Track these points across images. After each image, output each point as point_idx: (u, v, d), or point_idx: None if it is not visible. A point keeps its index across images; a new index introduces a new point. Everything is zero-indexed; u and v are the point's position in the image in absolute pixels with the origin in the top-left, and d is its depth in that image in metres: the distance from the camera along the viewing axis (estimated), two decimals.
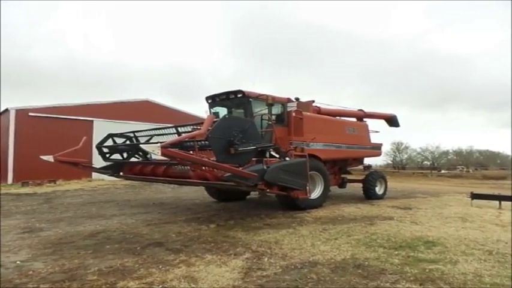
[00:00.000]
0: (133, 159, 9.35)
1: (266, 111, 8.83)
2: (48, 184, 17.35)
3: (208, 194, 11.65)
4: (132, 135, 9.65)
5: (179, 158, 6.32)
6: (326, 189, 9.74)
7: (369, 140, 12.71)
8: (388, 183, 15.58)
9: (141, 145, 7.35)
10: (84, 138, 9.56)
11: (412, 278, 4.05)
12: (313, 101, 11.41)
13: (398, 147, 71.75)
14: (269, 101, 8.47)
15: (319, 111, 11.60)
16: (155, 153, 5.78)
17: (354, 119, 13.02)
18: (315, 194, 9.42)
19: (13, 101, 72.57)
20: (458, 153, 70.79)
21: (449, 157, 71.63)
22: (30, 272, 4.47)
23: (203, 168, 6.74)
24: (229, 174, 6.40)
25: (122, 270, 4.50)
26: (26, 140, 18.85)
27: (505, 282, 3.88)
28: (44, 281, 4.13)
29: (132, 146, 9.28)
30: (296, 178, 7.74)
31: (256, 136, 7.33)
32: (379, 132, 13.42)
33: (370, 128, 13.05)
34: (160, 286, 3.91)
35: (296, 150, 8.80)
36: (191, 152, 6.88)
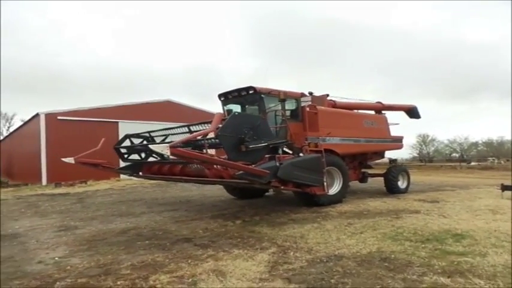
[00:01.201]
0: (151, 159, 9.45)
1: (279, 107, 8.76)
2: (79, 185, 18.05)
3: (227, 191, 11.70)
4: (148, 135, 9.75)
5: (188, 157, 6.37)
6: (345, 184, 9.61)
7: (389, 132, 12.41)
8: (415, 177, 15.24)
9: (150, 145, 7.45)
10: (103, 139, 9.75)
11: (439, 271, 4.03)
12: (328, 95, 11.18)
13: (424, 140, 69.89)
14: (281, 97, 8.40)
15: (334, 105, 11.41)
16: (164, 153, 5.91)
17: (372, 112, 12.73)
18: (334, 189, 9.34)
19: (44, 106, 75.59)
20: (488, 144, 68.11)
21: (479, 148, 69.07)
22: (68, 267, 4.74)
23: (214, 166, 6.79)
24: (241, 172, 6.39)
25: (153, 265, 4.69)
26: (56, 143, 19.62)
27: None
28: (81, 276, 4.38)
29: (143, 146, 9.36)
30: (311, 174, 7.69)
31: (268, 133, 7.31)
32: (398, 124, 13.03)
33: (390, 120, 12.79)
34: (190, 279, 4.07)
35: (310, 146, 8.69)
36: (204, 150, 6.87)
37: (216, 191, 12.89)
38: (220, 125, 6.54)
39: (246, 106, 9.71)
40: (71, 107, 21.64)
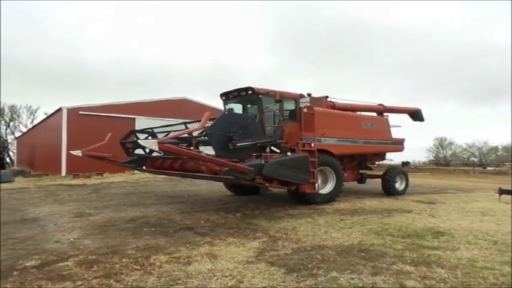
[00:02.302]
0: (155, 154, 9.59)
1: (277, 107, 9.08)
2: (96, 176, 18.99)
3: (226, 188, 12.07)
4: (151, 131, 10.13)
5: (175, 152, 6.67)
6: (338, 184, 9.84)
7: (390, 134, 12.53)
8: (424, 180, 15.37)
9: (139, 141, 7.85)
10: (109, 134, 10.15)
11: (409, 261, 4.45)
12: (327, 97, 11.42)
13: (441, 143, 68.86)
14: (277, 97, 8.76)
15: (333, 106, 11.57)
16: (153, 148, 6.30)
17: (374, 114, 12.91)
18: (327, 188, 9.61)
19: (67, 100, 78.10)
20: (508, 149, 66.56)
21: (498, 153, 67.53)
22: (81, 247, 5.37)
23: (200, 162, 7.03)
24: (226, 168, 6.66)
25: (156, 248, 5.27)
26: (76, 136, 20.56)
27: (496, 266, 4.18)
28: (92, 254, 4.99)
29: (135, 142, 9.69)
30: (297, 173, 7.86)
31: (257, 132, 7.54)
32: (400, 127, 13.15)
33: (397, 123, 13.02)
34: (186, 260, 4.61)
35: (298, 146, 8.84)
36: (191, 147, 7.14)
37: (224, 187, 13.43)
38: (208, 124, 6.89)
39: (248, 105, 10.02)
40: (92, 101, 22.65)
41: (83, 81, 78.78)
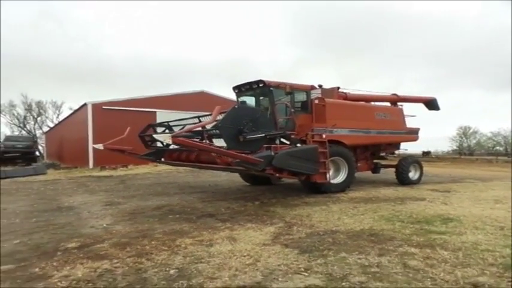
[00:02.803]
0: (172, 146, 9.84)
1: (288, 99, 9.31)
2: (121, 168, 19.87)
3: (242, 179, 12.46)
4: (167, 124, 10.48)
5: (188, 145, 7.03)
6: (351, 174, 10.05)
7: (404, 124, 12.54)
8: (443, 170, 15.33)
9: (154, 135, 8.20)
10: (128, 128, 10.47)
11: (415, 244, 4.76)
12: (339, 88, 11.51)
13: (465, 132, 67.20)
14: (287, 90, 8.97)
15: (345, 97, 11.68)
16: (167, 142, 6.66)
17: (388, 104, 12.93)
18: (339, 178, 9.86)
19: (89, 95, 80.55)
20: None
21: None
22: (114, 231, 5.93)
23: (212, 154, 7.31)
24: (237, 160, 6.98)
25: (181, 232, 5.76)
26: (101, 130, 21.46)
27: (497, 249, 4.44)
28: (124, 237, 5.53)
29: (151, 136, 10.02)
30: (306, 163, 8.08)
31: (267, 124, 7.80)
32: (415, 117, 13.23)
33: (416, 112, 13.03)
34: (208, 242, 5.08)
35: (308, 137, 9.00)
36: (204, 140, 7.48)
37: None
38: (219, 117, 7.21)
39: (260, 98, 10.20)
40: (114, 96, 23.51)
41: (105, 76, 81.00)
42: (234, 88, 10.38)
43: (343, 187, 9.90)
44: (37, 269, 4.14)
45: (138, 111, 23.04)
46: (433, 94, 14.03)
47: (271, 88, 9.41)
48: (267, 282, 3.57)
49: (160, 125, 10.83)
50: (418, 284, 3.43)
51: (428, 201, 8.26)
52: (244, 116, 7.50)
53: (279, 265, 4.06)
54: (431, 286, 3.38)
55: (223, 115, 7.55)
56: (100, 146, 10.36)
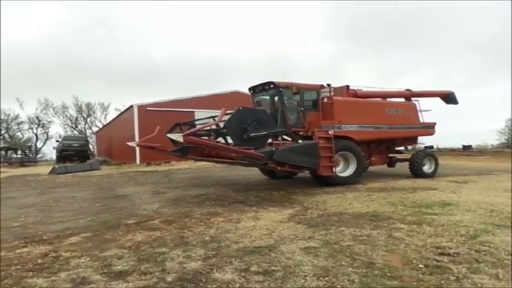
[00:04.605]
0: None
1: (298, 98, 10.10)
2: (164, 164, 21.78)
3: (261, 173, 13.41)
4: (192, 123, 11.50)
5: (197, 143, 8.07)
6: (359, 168, 10.55)
7: (418, 119, 12.80)
8: (482, 163, 15.35)
9: (168, 135, 9.14)
10: (158, 127, 11.15)
11: (406, 222, 5.67)
12: (348, 86, 12.05)
13: None
14: (293, 90, 9.76)
15: (355, 94, 12.12)
16: (179, 140, 7.60)
17: (402, 100, 13.19)
18: (348, 171, 10.51)
19: (136, 96, 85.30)
20: None
21: None
22: (162, 212, 7.31)
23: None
24: (241, 155, 7.97)
25: (215, 214, 7.02)
26: (145, 129, 23.43)
27: (474, 225, 5.26)
28: (170, 217, 6.88)
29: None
30: (307, 158, 8.82)
31: (270, 123, 8.63)
32: (430, 111, 13.31)
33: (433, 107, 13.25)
34: (236, 220, 6.30)
35: (314, 133, 9.68)
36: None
37: None
38: (225, 118, 8.23)
39: (275, 98, 10.75)
40: (158, 96, 25.58)
41: (149, 77, 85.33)
42: (250, 89, 11.28)
43: (351, 179, 10.43)
44: (108, 236, 5.56)
45: (178, 111, 24.86)
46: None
47: (281, 89, 10.13)
48: (277, 245, 4.71)
49: (186, 123, 11.75)
50: (392, 246, 4.42)
51: (439, 190, 8.94)
52: (248, 116, 8.50)
53: (288, 235, 5.18)
54: (402, 247, 4.35)
55: (229, 116, 8.61)
56: (133, 144, 11.52)
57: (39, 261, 4.35)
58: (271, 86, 10.31)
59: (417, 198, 7.75)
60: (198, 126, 9.44)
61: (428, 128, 13.30)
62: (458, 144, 44.06)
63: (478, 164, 19.56)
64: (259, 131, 8.55)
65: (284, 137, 11.38)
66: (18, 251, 4.84)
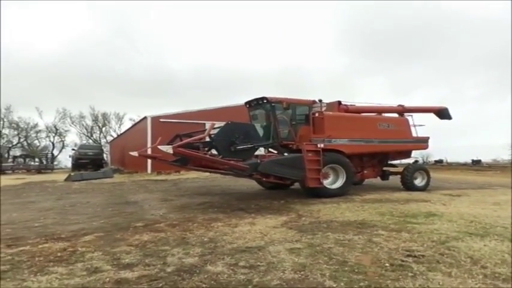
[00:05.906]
0: None
1: (290, 113, 10.69)
2: (174, 173, 22.54)
3: (257, 183, 13.62)
4: (190, 134, 11.67)
5: (185, 155, 8.65)
6: (349, 180, 10.84)
7: (410, 133, 13.03)
8: (487, 178, 15.55)
9: (158, 146, 9.39)
10: (160, 138, 11.28)
11: (388, 229, 6.19)
12: (340, 102, 12.47)
13: None
14: (284, 106, 10.29)
15: (347, 109, 12.52)
16: (169, 152, 8.11)
17: (395, 115, 13.49)
18: (337, 183, 10.81)
19: (152, 108, 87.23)
20: None
21: None
22: (167, 217, 7.95)
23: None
24: (227, 166, 8.48)
25: (216, 219, 7.64)
26: (158, 140, 24.42)
27: (447, 232, 5.75)
28: (175, 221, 7.53)
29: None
30: (292, 170, 9.25)
31: (256, 137, 9.16)
32: (424, 126, 13.55)
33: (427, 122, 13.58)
34: (234, 225, 6.91)
35: (302, 146, 9.99)
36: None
37: None
38: (213, 131, 8.86)
39: (270, 112, 11.03)
40: (173, 106, 26.61)
41: (166, 88, 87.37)
42: (246, 103, 11.92)
43: (341, 191, 10.66)
44: (118, 236, 6.23)
45: (191, 123, 25.72)
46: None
47: (273, 104, 10.65)
48: (266, 246, 5.30)
49: (186, 135, 11.93)
50: (368, 249, 4.97)
51: (431, 202, 9.36)
52: (236, 130, 9.06)
53: (278, 238, 5.77)
54: (376, 250, 4.90)
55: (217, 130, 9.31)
56: (135, 153, 11.89)
57: (59, 254, 5.04)
58: (264, 101, 10.88)
59: (406, 209, 8.23)
60: (188, 139, 9.88)
61: (421, 143, 13.57)
62: (466, 159, 43.90)
63: (482, 179, 19.76)
64: (245, 144, 9.08)
65: (270, 149, 11.99)
66: (40, 246, 5.55)
